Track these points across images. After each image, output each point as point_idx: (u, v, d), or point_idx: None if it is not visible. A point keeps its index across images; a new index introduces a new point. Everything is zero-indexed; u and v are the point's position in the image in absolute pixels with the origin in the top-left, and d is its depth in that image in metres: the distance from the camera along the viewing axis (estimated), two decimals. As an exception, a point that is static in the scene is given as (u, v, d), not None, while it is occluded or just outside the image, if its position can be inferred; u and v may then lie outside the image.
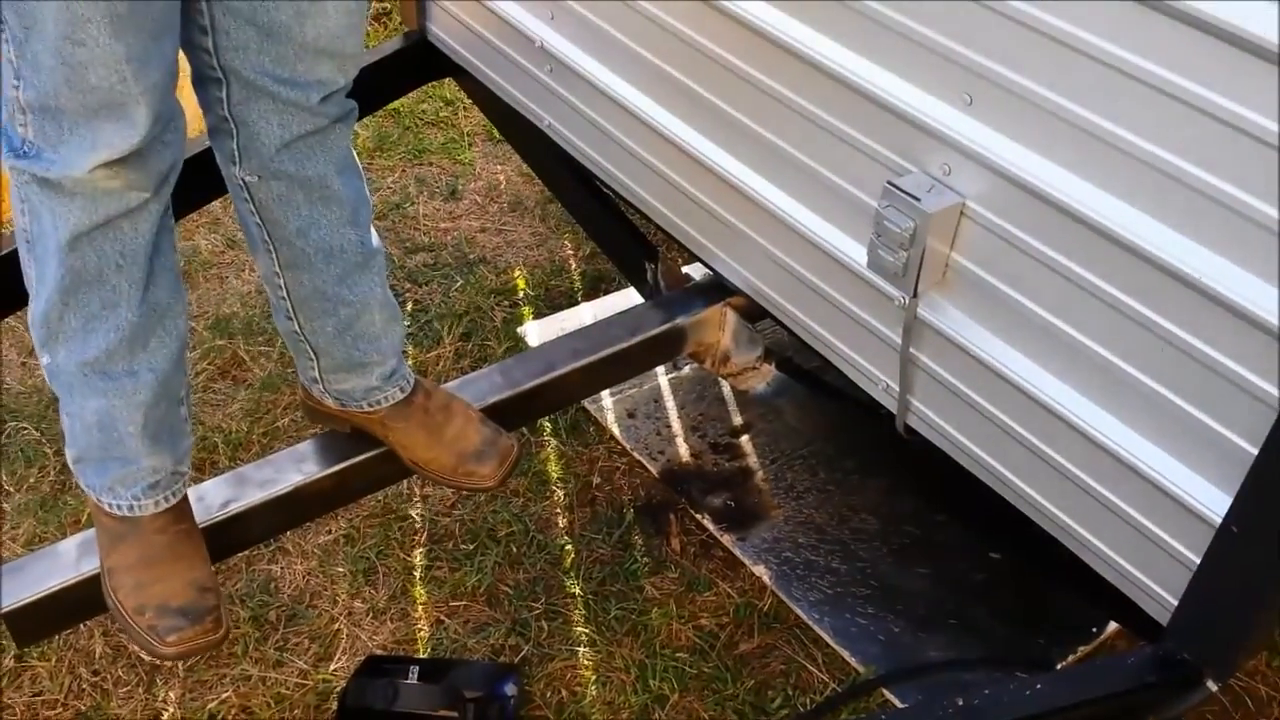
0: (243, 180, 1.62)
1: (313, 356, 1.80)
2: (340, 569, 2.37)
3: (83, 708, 2.11)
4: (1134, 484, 1.43)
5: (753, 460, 2.60)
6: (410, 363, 2.82)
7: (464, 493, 2.43)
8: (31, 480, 2.51)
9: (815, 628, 2.24)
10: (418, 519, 2.47)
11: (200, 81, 1.55)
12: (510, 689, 2.03)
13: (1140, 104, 1.27)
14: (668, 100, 2.00)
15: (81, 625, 2.16)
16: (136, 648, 2.02)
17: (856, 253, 1.70)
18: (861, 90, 1.59)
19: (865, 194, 1.66)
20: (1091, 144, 1.34)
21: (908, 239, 1.53)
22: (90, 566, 1.66)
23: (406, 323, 2.97)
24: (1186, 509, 1.37)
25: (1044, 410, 1.51)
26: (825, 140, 1.70)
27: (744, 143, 1.86)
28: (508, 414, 1.94)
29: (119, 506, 1.62)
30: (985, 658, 2.14)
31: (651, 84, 2.02)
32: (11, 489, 2.49)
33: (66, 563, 1.68)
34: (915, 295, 1.60)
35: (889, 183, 1.54)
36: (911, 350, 1.68)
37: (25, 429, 2.62)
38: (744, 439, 2.65)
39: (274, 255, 1.69)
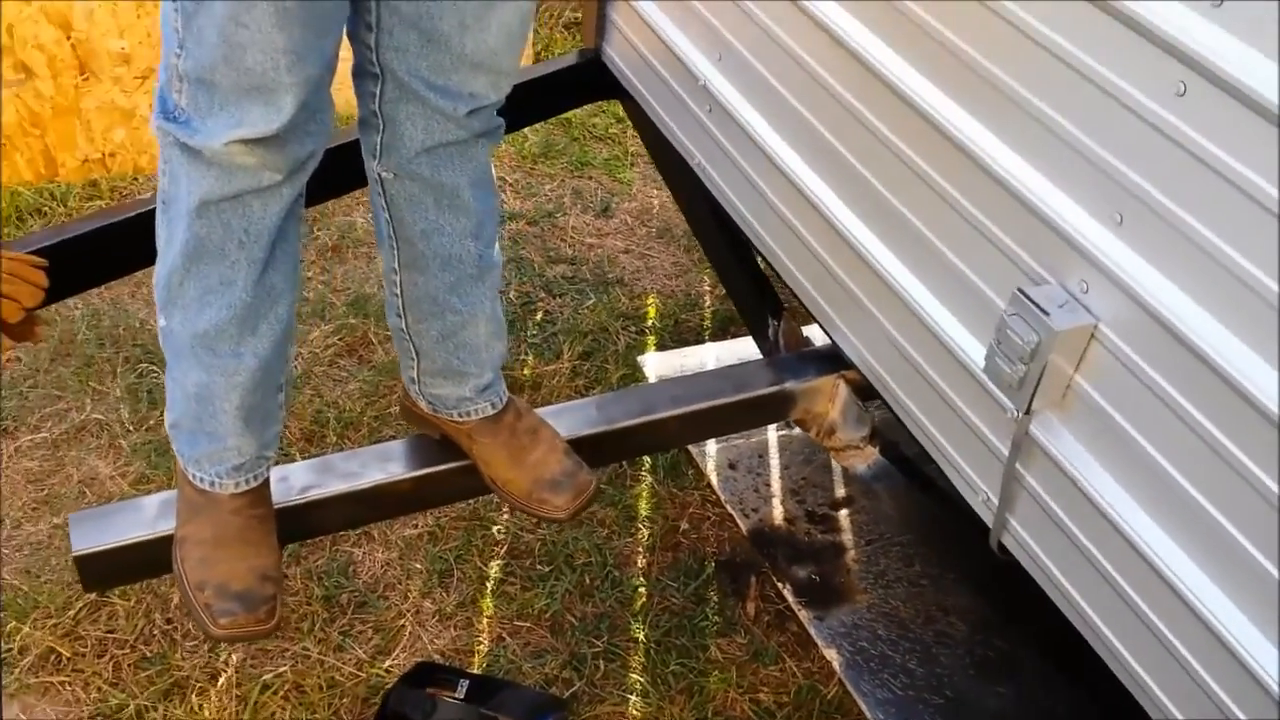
0: (379, 175, 1.65)
1: (414, 356, 1.82)
2: (418, 565, 2.39)
3: (149, 653, 2.17)
4: (1224, 661, 1.30)
5: (848, 537, 2.50)
6: (528, 373, 2.84)
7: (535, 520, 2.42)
8: (152, 423, 2.61)
9: (877, 728, 2.14)
10: (501, 530, 2.47)
11: (359, 73, 1.59)
12: (552, 724, 2.01)
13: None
14: (818, 164, 1.94)
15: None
16: (190, 621, 2.07)
17: (976, 352, 1.61)
18: (1012, 189, 1.51)
19: (995, 294, 1.57)
20: (1240, 291, 1.23)
21: (1029, 353, 1.44)
22: (166, 527, 1.70)
23: (532, 332, 2.98)
24: (1274, 701, 1.24)
25: (1143, 561, 1.39)
26: (966, 231, 1.61)
27: (885, 219, 1.79)
28: (597, 449, 1.91)
29: (202, 479, 1.66)
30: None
31: (805, 145, 1.96)
32: (132, 428, 2.60)
33: (145, 519, 1.72)
34: (1029, 411, 1.50)
35: (1019, 290, 1.45)
36: (1017, 467, 1.58)
37: (155, 372, 2.72)
38: (843, 513, 2.56)
39: (395, 252, 1.72)
